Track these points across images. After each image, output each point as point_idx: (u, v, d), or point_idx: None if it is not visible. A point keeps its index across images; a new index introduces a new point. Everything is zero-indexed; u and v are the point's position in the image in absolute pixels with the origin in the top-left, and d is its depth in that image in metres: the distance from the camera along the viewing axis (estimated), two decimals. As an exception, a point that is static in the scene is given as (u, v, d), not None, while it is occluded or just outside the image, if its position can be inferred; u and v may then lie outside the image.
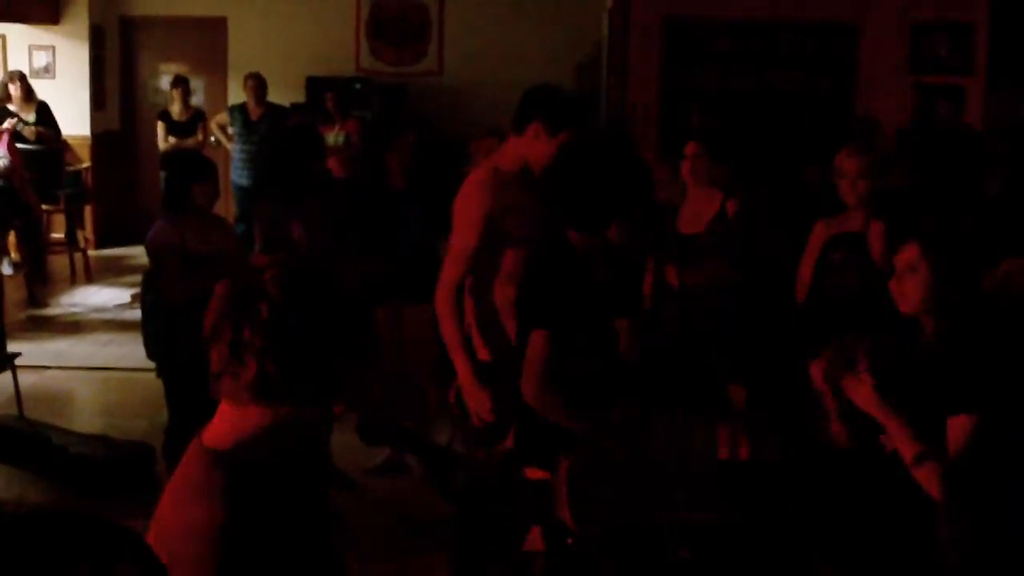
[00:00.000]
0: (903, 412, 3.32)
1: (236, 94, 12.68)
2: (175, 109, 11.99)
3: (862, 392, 3.32)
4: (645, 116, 9.51)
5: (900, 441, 3.30)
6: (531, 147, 4.44)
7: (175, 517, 2.10)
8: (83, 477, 6.00)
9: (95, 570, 1.67)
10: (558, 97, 4.58)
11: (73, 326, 9.77)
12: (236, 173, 11.67)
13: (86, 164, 12.82)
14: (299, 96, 12.71)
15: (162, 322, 5.76)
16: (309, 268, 2.22)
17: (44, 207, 11.33)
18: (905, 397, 3.37)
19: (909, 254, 3.52)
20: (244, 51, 13.34)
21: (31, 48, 13.05)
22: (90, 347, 9.05)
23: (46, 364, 8.39)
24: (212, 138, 12.21)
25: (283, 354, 2.08)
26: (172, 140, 11.80)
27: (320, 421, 2.25)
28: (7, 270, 10.73)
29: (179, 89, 12.00)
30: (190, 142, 11.78)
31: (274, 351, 2.08)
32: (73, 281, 11.45)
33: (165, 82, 13.21)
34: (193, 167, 5.91)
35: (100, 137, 13.20)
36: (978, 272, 3.64)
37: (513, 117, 4.58)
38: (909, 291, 3.51)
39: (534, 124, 4.41)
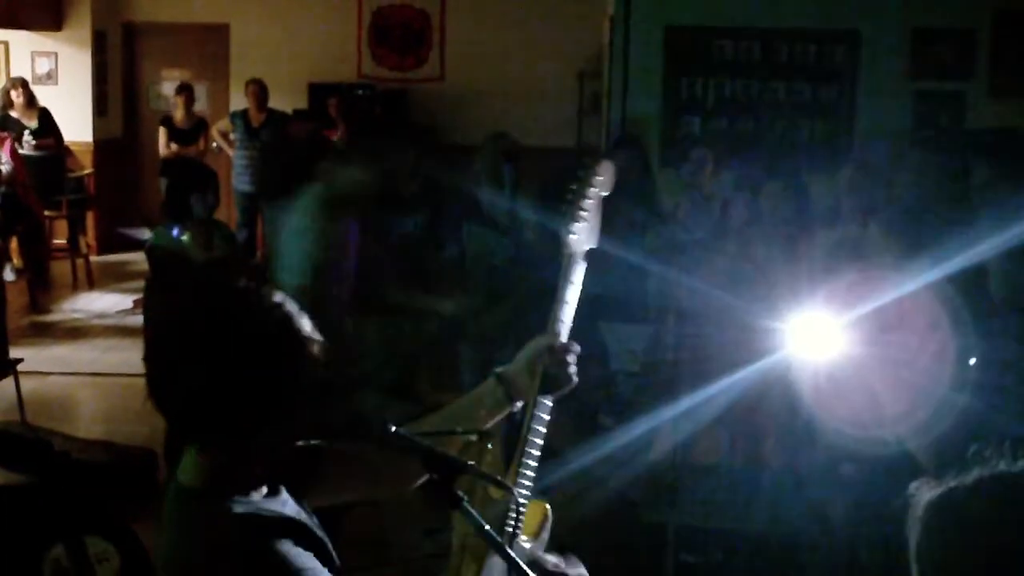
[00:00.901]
0: None
1: (238, 100, 12.69)
2: (178, 116, 11.99)
3: None
4: (646, 122, 9.51)
5: None
6: None
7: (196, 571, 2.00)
8: (86, 483, 6.01)
9: (69, 550, 1.67)
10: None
11: (75, 332, 9.78)
12: (238, 179, 11.69)
13: (88, 170, 12.84)
14: (301, 102, 12.73)
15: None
16: (193, 293, 2.07)
17: (46, 213, 11.36)
18: None
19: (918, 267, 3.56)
20: (246, 57, 13.36)
21: (33, 54, 13.07)
22: (92, 352, 9.06)
23: (48, 370, 8.40)
24: (214, 144, 12.23)
25: (205, 394, 1.93)
26: (174, 147, 11.81)
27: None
28: (9, 276, 10.74)
29: (183, 96, 12.00)
30: (192, 150, 11.79)
31: (197, 393, 1.94)
32: (75, 287, 11.46)
33: (167, 88, 13.24)
34: (191, 176, 5.93)
35: (102, 143, 13.22)
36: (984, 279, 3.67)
37: None
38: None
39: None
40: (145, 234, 5.88)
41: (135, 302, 10.10)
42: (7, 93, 11.62)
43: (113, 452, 6.35)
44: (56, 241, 12.16)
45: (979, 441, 1.57)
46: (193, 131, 11.94)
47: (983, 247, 3.82)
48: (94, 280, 11.66)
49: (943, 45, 9.46)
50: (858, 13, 9.41)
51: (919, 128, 9.36)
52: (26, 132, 11.42)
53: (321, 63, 13.15)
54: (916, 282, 3.78)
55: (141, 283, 6.19)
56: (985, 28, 9.41)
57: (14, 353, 7.41)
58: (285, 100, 12.30)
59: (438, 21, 13.46)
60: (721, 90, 9.66)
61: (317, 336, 2.02)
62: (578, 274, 2.64)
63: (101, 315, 10.35)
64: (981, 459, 1.56)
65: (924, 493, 1.60)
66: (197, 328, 1.94)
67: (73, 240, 11.92)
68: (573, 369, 2.53)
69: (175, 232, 5.82)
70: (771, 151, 8.97)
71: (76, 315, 10.42)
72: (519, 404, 2.53)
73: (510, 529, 2.51)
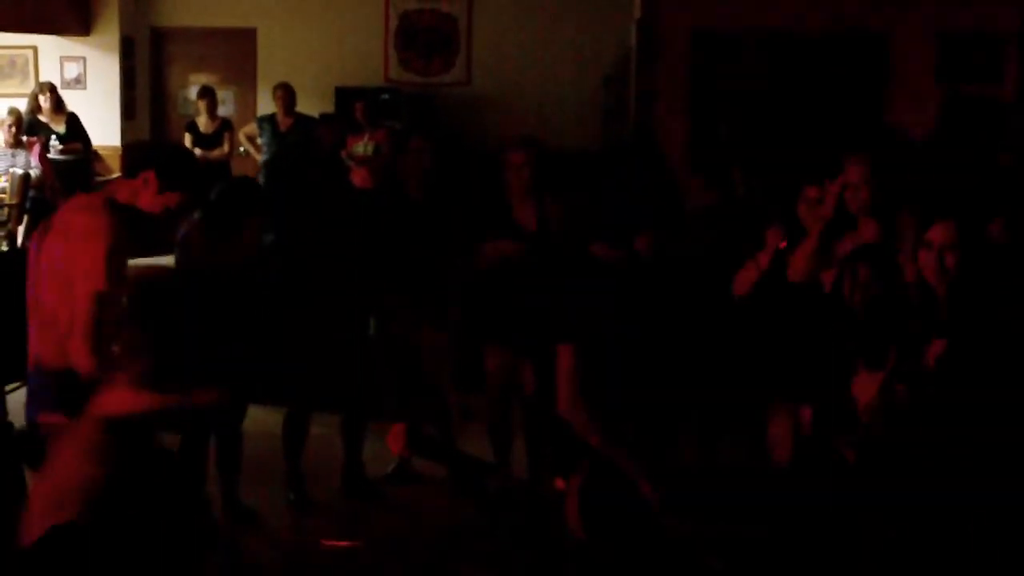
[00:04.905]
0: None
1: (266, 104, 12.73)
2: (201, 121, 12.01)
3: None
4: (673, 126, 9.48)
5: None
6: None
7: (66, 473, 2.51)
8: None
9: None
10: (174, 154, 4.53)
11: (103, 335, 9.77)
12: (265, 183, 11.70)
13: (116, 174, 12.89)
14: (328, 106, 12.75)
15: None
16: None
17: (75, 217, 11.38)
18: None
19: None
20: (273, 62, 13.41)
21: (62, 59, 13.15)
22: (119, 356, 9.05)
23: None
24: (241, 148, 12.25)
25: (169, 350, 2.42)
26: (198, 152, 11.83)
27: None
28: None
29: (205, 100, 12.01)
30: (216, 153, 11.81)
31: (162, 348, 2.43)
32: (103, 290, 11.46)
33: (195, 93, 13.29)
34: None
35: (130, 147, 13.27)
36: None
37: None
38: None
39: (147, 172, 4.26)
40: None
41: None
42: (36, 98, 11.69)
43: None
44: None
45: None
46: (216, 135, 11.96)
47: None
48: (122, 284, 11.66)
49: (972, 48, 9.40)
50: (887, 17, 9.36)
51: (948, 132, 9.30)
52: (53, 137, 11.48)
53: (348, 67, 13.18)
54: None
55: (168, 287, 6.18)
56: (1015, 31, 9.35)
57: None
58: (312, 104, 12.32)
59: (465, 25, 13.46)
60: (748, 94, 9.62)
61: None
62: None
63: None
64: None
65: None
66: None
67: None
68: None
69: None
70: (799, 155, 8.91)
71: (104, 318, 10.42)
72: None
73: None
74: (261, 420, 6.23)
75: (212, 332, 5.76)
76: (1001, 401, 3.40)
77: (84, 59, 13.16)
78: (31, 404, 4.24)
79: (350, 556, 5.65)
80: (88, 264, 3.94)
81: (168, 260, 5.77)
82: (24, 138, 11.04)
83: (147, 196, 4.25)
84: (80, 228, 4.04)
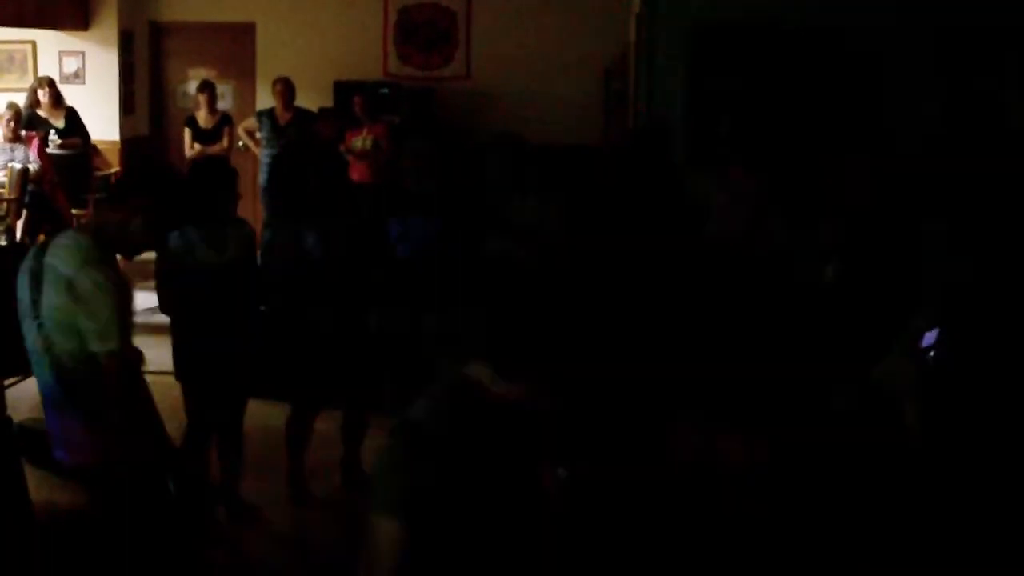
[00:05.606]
0: None
1: (265, 99, 12.72)
2: (201, 115, 11.99)
3: None
4: (672, 121, 9.46)
5: None
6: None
7: None
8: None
9: None
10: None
11: (102, 330, 9.74)
12: (265, 178, 11.70)
13: (115, 169, 12.88)
14: (327, 100, 12.74)
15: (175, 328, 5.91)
16: None
17: (73, 211, 11.39)
18: None
19: None
20: (272, 56, 13.38)
21: (61, 54, 13.13)
22: (118, 351, 9.02)
23: (75, 368, 8.38)
24: (240, 143, 12.24)
25: None
26: (197, 147, 11.82)
27: None
28: (37, 274, 10.75)
29: (205, 94, 12.00)
30: (216, 148, 11.80)
31: None
32: (102, 285, 11.42)
33: (194, 87, 13.28)
34: (218, 175, 5.94)
35: (129, 142, 13.26)
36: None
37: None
38: None
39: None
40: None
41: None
42: (34, 92, 11.67)
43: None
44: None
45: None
46: (216, 129, 11.94)
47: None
48: (121, 278, 11.62)
49: (971, 42, 9.38)
50: (885, 10, 9.34)
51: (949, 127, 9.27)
52: (52, 131, 11.47)
53: (347, 61, 13.15)
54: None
55: (167, 281, 6.19)
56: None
57: (41, 351, 7.39)
58: (311, 98, 12.31)
59: (464, 19, 13.45)
60: (748, 88, 9.59)
61: None
62: None
63: (128, 313, 10.31)
64: None
65: None
66: None
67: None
68: None
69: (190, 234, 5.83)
70: (798, 150, 8.91)
71: (103, 313, 10.37)
72: None
73: None
74: (260, 415, 6.22)
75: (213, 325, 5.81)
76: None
77: (83, 54, 13.14)
78: (59, 446, 4.29)
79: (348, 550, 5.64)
80: (102, 327, 4.09)
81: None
82: (23, 133, 11.03)
83: (138, 230, 4.27)
84: (87, 289, 4.07)
